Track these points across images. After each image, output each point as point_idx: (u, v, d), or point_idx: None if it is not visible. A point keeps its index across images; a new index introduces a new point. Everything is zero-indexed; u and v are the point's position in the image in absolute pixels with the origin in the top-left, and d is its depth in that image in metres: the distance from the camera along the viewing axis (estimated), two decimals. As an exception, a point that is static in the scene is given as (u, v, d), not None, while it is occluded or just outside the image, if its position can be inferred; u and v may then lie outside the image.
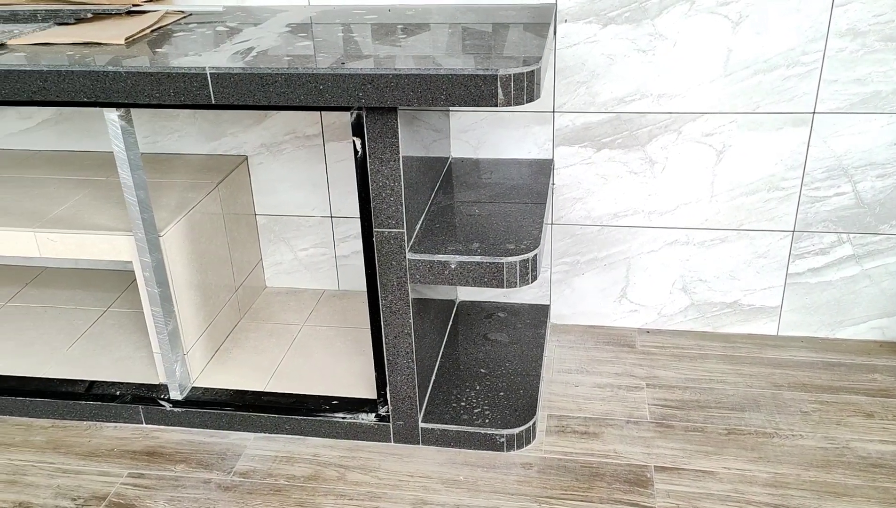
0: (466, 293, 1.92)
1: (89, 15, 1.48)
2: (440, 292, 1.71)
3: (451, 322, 1.82)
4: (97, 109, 1.83)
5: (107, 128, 1.84)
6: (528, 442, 1.49)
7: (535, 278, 1.35)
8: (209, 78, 1.21)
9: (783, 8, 1.51)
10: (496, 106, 1.14)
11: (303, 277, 1.97)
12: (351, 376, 1.63)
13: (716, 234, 1.72)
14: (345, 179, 1.82)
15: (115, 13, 1.50)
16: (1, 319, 1.85)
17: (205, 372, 1.65)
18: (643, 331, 1.83)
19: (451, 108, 1.71)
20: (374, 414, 1.51)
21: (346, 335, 1.77)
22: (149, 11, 1.55)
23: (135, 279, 2.01)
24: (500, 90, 1.14)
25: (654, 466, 1.42)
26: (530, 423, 1.48)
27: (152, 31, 1.44)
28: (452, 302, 1.87)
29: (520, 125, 1.71)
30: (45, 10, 1.48)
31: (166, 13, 1.54)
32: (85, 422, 1.60)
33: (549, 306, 1.88)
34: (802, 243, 1.70)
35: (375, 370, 1.45)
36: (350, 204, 1.85)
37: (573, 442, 1.49)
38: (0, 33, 1.39)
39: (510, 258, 1.32)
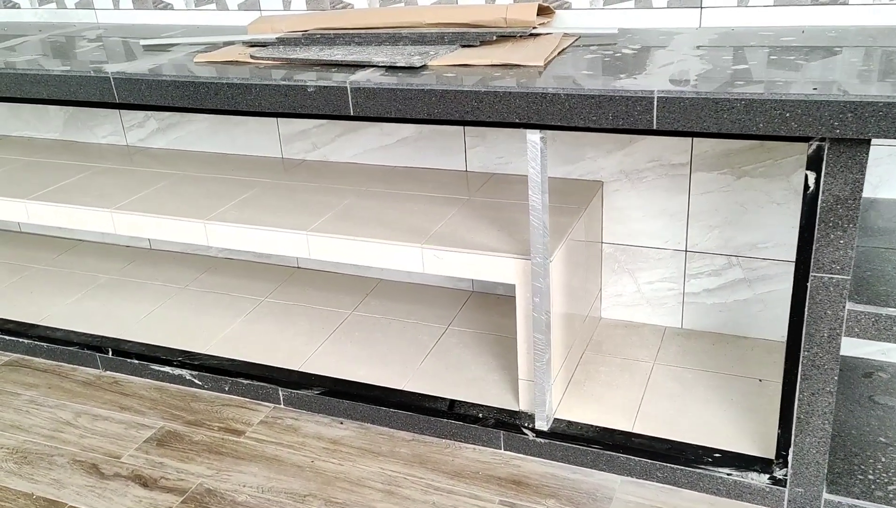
0: (831, 346, 1.72)
1: (494, 38, 1.50)
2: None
3: (820, 377, 1.63)
4: (455, 127, 1.87)
5: (464, 147, 1.87)
6: (965, 535, 1.27)
7: None
8: (655, 102, 1.15)
9: None
10: None
11: (642, 311, 1.87)
12: (725, 427, 1.49)
13: None
14: (708, 211, 1.70)
15: (519, 36, 1.51)
16: (351, 326, 1.94)
17: (562, 404, 1.60)
18: None
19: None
20: (767, 476, 1.36)
21: (707, 380, 1.64)
22: (545, 34, 1.54)
23: (468, 299, 2.02)
24: None
25: None
26: (969, 512, 1.26)
27: (558, 53, 1.42)
28: (817, 354, 1.68)
29: (935, 162, 1.50)
30: (452, 33, 1.51)
31: (564, 36, 1.52)
32: (444, 440, 1.61)
33: (939, 370, 1.63)
34: None
35: (780, 428, 1.31)
36: (710, 239, 1.73)
37: None
38: (419, 55, 1.43)
39: (983, 319, 1.13)
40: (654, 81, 1.19)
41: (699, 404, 1.57)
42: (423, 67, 1.39)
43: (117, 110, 2.27)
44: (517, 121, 1.24)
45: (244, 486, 1.52)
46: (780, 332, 1.75)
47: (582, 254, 1.67)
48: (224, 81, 1.42)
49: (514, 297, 1.99)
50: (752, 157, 1.62)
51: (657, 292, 1.84)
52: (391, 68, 1.39)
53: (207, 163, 2.09)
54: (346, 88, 1.33)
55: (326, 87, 1.34)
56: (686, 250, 1.77)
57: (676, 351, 1.76)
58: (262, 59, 1.52)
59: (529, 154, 1.31)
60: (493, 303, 1.99)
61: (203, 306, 2.08)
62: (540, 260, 1.39)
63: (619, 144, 1.73)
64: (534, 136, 1.29)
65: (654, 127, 1.16)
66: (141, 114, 2.24)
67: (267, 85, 1.39)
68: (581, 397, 1.62)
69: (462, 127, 1.86)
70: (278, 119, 2.07)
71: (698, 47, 1.39)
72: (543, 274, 1.41)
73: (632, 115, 1.17)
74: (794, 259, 1.66)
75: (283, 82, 1.38)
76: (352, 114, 1.35)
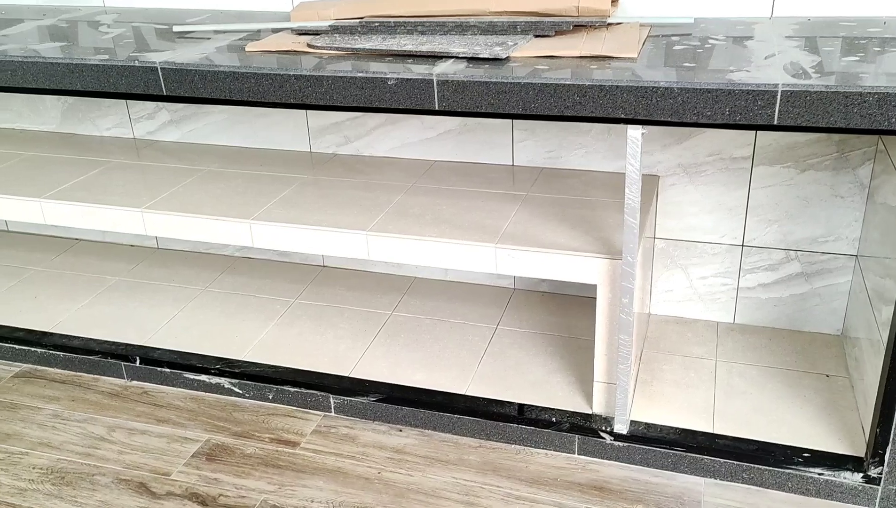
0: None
1: (571, 27, 1.43)
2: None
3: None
4: (500, 120, 1.80)
5: (511, 141, 1.80)
6: None
7: None
8: (779, 96, 1.10)
9: None
10: None
11: (694, 307, 1.84)
12: (805, 425, 1.47)
13: None
14: (769, 206, 1.68)
15: (598, 25, 1.44)
16: (395, 328, 1.86)
17: (633, 405, 1.56)
18: None
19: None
20: (860, 475, 1.35)
21: (774, 377, 1.62)
22: (617, 24, 1.48)
23: (511, 297, 1.96)
24: None
25: None
26: None
27: (641, 44, 1.37)
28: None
29: None
30: (525, 22, 1.44)
31: (640, 26, 1.47)
32: (514, 446, 1.55)
33: None
34: None
35: (878, 426, 1.30)
36: (768, 233, 1.70)
37: None
38: (498, 46, 1.36)
39: None
40: (768, 74, 1.15)
41: (772, 402, 1.55)
42: (507, 58, 1.32)
43: (124, 101, 2.13)
44: (622, 116, 1.19)
45: (312, 501, 1.43)
46: (836, 326, 1.74)
47: (647, 251, 1.63)
48: (292, 73, 1.32)
49: (560, 295, 1.95)
50: (819, 150, 1.60)
51: (710, 288, 1.81)
52: (474, 60, 1.31)
53: (230, 158, 1.97)
54: (433, 80, 1.25)
55: (409, 79, 1.26)
56: (742, 245, 1.74)
57: (735, 347, 1.73)
58: (323, 48, 1.42)
59: (629, 151, 1.25)
60: (537, 301, 1.94)
61: (230, 310, 1.97)
62: (631, 260, 1.34)
63: (678, 137, 1.69)
64: (635, 131, 1.23)
65: (775, 122, 1.12)
66: (151, 105, 2.10)
67: (341, 77, 1.30)
68: (651, 397, 1.58)
69: (511, 121, 1.80)
70: (307, 111, 1.96)
71: (788, 38, 1.36)
72: (632, 274, 1.36)
73: (751, 109, 1.12)
74: (855, 253, 1.65)
75: (360, 74, 1.29)
76: (437, 108, 1.27)
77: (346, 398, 1.65)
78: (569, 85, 1.19)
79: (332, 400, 1.66)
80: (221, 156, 1.99)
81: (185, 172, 1.88)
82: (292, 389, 1.68)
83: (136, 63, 1.41)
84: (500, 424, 1.55)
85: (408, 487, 1.46)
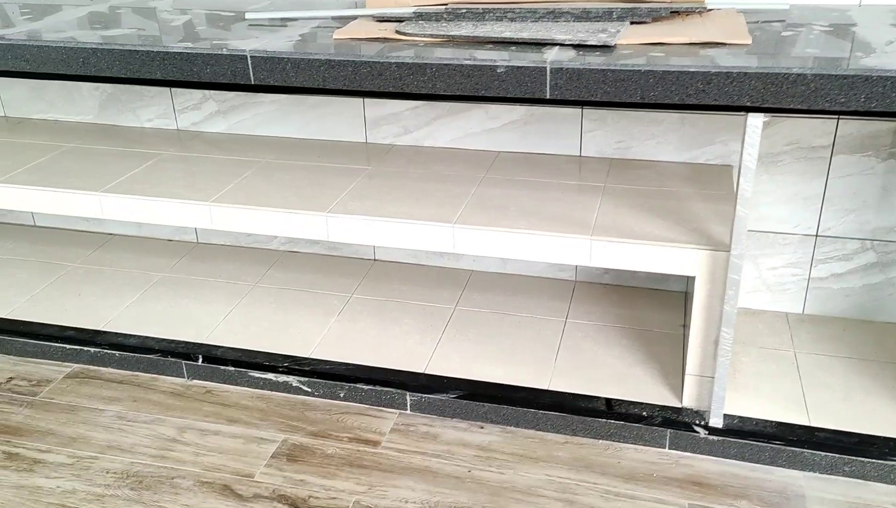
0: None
1: (668, 13, 1.40)
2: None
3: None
4: (570, 109, 1.77)
5: (580, 132, 1.77)
6: None
7: None
8: (918, 84, 1.08)
9: None
10: None
11: (761, 297, 1.83)
12: (897, 415, 1.47)
13: None
14: (846, 195, 1.67)
15: (696, 11, 1.42)
16: (461, 323, 1.82)
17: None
18: None
19: None
20: (967, 465, 1.34)
21: (856, 368, 1.61)
22: (714, 10, 1.45)
23: (574, 289, 1.93)
24: None
25: None
26: None
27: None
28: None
29: None
30: (621, 9, 1.41)
31: (737, 13, 1.44)
32: (601, 441, 1.53)
33: None
34: None
35: None
36: (844, 223, 1.69)
37: None
38: (601, 33, 1.32)
39: None
40: (896, 61, 1.13)
41: (860, 393, 1.54)
42: (615, 46, 1.28)
43: (168, 91, 2.06)
44: (748, 104, 1.16)
45: (406, 502, 1.40)
46: (909, 315, 1.75)
47: (729, 242, 1.62)
48: (392, 61, 1.28)
49: (623, 286, 1.93)
50: (902, 139, 1.59)
51: (780, 278, 1.80)
52: (581, 47, 1.28)
53: (284, 149, 1.92)
54: (546, 68, 1.21)
55: (520, 67, 1.22)
56: (817, 235, 1.73)
57: (810, 338, 1.72)
58: (414, 35, 1.38)
59: (748, 139, 1.23)
60: (601, 293, 1.91)
61: (285, 305, 1.92)
62: (739, 251, 1.32)
63: (756, 126, 1.67)
64: (756, 120, 1.21)
65: (913, 110, 1.10)
66: (198, 95, 2.04)
67: (447, 65, 1.25)
68: (738, 390, 1.56)
69: (580, 110, 1.76)
70: (364, 100, 1.91)
71: (893, 25, 1.34)
72: (740, 266, 1.34)
73: (889, 96, 1.10)
74: (933, 243, 1.65)
75: (468, 62, 1.24)
76: (547, 97, 1.23)
77: (423, 395, 1.61)
78: (693, 72, 1.16)
79: (408, 398, 1.62)
80: (275, 147, 1.93)
81: (242, 164, 1.82)
82: (365, 387, 1.64)
83: (224, 51, 1.35)
84: (588, 419, 1.52)
85: (501, 485, 1.43)
